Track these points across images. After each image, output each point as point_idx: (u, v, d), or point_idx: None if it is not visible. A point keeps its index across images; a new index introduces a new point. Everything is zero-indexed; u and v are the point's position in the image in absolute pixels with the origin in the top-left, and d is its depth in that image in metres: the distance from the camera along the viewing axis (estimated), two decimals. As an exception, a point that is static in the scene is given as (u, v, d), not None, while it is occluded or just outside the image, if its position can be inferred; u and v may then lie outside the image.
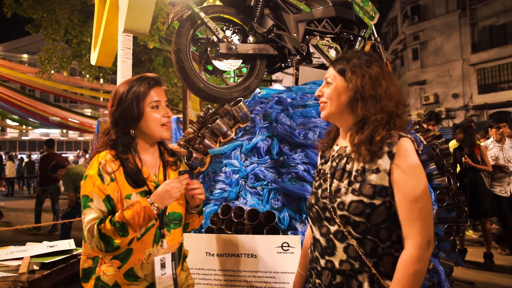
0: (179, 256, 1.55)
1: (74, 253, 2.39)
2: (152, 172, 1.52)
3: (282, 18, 2.88)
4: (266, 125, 2.45)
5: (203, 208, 2.30)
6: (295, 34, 2.90)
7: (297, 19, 2.92)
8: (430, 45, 23.04)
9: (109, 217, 1.35)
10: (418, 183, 1.16)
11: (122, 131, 1.46)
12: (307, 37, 3.03)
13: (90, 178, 1.38)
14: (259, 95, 2.85)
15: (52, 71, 12.92)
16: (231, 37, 2.72)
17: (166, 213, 1.50)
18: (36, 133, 32.41)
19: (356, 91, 1.25)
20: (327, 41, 3.09)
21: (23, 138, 32.06)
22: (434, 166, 2.35)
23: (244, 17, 2.82)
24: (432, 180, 2.36)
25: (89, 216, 1.35)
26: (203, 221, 2.25)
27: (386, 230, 1.20)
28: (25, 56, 31.79)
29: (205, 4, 2.75)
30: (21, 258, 2.23)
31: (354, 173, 1.24)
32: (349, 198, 1.22)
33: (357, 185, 1.21)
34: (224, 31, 2.66)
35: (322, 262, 1.28)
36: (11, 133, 32.28)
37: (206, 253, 2.05)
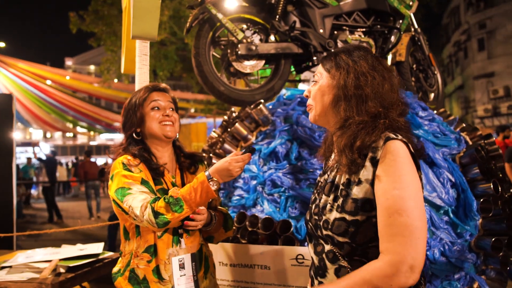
0: (200, 257, 1.51)
1: (100, 257, 2.45)
2: (170, 173, 1.54)
3: (306, 14, 2.73)
4: (286, 128, 2.32)
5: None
6: (321, 30, 2.73)
7: (323, 14, 2.75)
8: (499, 33, 20.97)
9: (163, 196, 1.34)
10: (403, 193, 0.95)
11: (128, 133, 1.53)
12: (335, 32, 2.84)
13: (117, 174, 1.41)
14: (284, 96, 2.73)
15: (116, 80, 13.83)
16: (252, 37, 2.63)
17: None
18: (102, 139, 35.03)
19: (339, 89, 1.09)
20: (358, 35, 2.87)
21: (91, 143, 34.85)
22: (478, 170, 2.05)
23: (266, 16, 2.72)
24: (475, 186, 2.06)
25: (138, 198, 1.34)
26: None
27: (376, 250, 1.01)
28: (92, 67, 34.56)
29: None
30: (51, 261, 2.33)
31: (340, 186, 1.08)
32: (333, 215, 1.06)
33: (340, 201, 1.06)
34: (243, 32, 2.58)
35: (316, 283, 1.14)
36: (81, 139, 35.26)
37: (219, 262, 1.98)
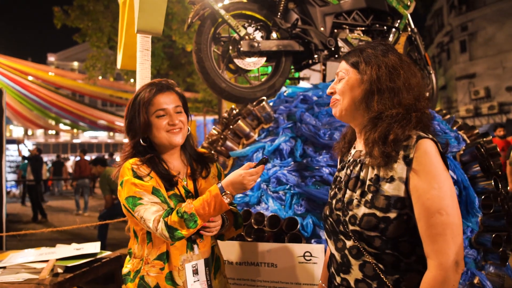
0: (212, 260, 1.49)
1: (98, 256, 2.39)
2: (181, 177, 1.49)
3: (307, 12, 2.73)
4: (290, 126, 2.32)
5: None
6: (322, 28, 2.74)
7: (324, 12, 2.76)
8: (480, 36, 21.50)
9: (176, 208, 1.31)
10: (441, 192, 0.97)
11: (133, 141, 1.44)
12: (335, 30, 2.85)
13: (127, 182, 1.35)
14: (284, 94, 2.72)
15: (100, 77, 13.55)
16: (253, 34, 2.61)
17: None
18: (86, 136, 34.38)
19: (372, 83, 1.09)
20: (357, 34, 2.89)
21: (74, 141, 34.12)
22: (479, 167, 2.09)
23: (267, 13, 2.71)
24: (476, 183, 2.10)
25: (150, 210, 1.31)
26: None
27: (406, 244, 1.03)
28: (75, 64, 33.81)
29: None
30: (47, 261, 2.27)
31: (367, 182, 1.08)
32: (361, 211, 1.06)
33: (369, 196, 1.06)
34: (245, 28, 2.56)
35: (338, 279, 1.14)
36: (64, 137, 34.48)
37: (226, 261, 1.96)
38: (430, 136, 1.04)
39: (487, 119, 20.22)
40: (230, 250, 1.96)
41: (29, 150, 10.14)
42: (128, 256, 1.50)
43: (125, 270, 1.47)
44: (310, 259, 1.82)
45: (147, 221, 1.30)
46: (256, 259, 1.90)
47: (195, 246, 1.42)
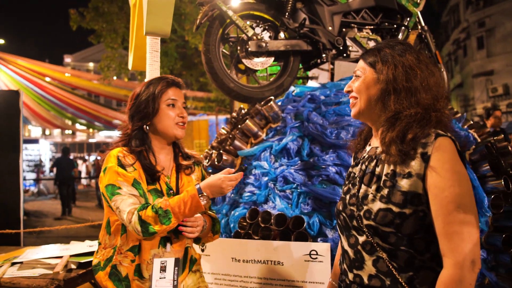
0: (185, 260, 1.49)
1: (110, 253, 2.45)
2: (165, 173, 1.50)
3: (315, 12, 2.74)
4: (297, 125, 2.33)
5: (232, 212, 2.25)
6: (330, 28, 2.74)
7: (332, 11, 2.76)
8: (499, 32, 20.99)
9: (152, 204, 1.33)
10: (459, 190, 0.97)
11: (137, 125, 1.47)
12: (343, 29, 2.85)
13: (110, 169, 1.37)
14: (293, 93, 2.73)
15: (114, 77, 13.77)
16: (261, 34, 2.64)
17: None
18: (101, 136, 34.98)
19: (388, 83, 1.09)
20: (366, 33, 2.88)
21: (90, 140, 34.77)
22: (488, 167, 2.06)
23: (275, 13, 2.73)
24: (485, 183, 2.07)
25: (126, 201, 1.33)
26: (231, 225, 2.20)
27: (421, 241, 1.03)
28: (91, 64, 34.43)
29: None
30: (62, 257, 2.34)
31: (383, 177, 1.08)
32: (376, 206, 1.06)
33: (385, 191, 1.06)
34: (253, 29, 2.59)
35: (350, 276, 1.14)
36: (80, 136, 35.17)
37: (232, 258, 1.99)
38: (449, 134, 1.04)
39: (505, 117, 19.72)
40: (237, 248, 1.99)
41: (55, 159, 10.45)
42: (97, 248, 1.50)
43: (94, 261, 1.47)
44: (316, 258, 1.83)
45: (122, 212, 1.31)
46: (262, 257, 1.93)
47: (168, 244, 1.43)
